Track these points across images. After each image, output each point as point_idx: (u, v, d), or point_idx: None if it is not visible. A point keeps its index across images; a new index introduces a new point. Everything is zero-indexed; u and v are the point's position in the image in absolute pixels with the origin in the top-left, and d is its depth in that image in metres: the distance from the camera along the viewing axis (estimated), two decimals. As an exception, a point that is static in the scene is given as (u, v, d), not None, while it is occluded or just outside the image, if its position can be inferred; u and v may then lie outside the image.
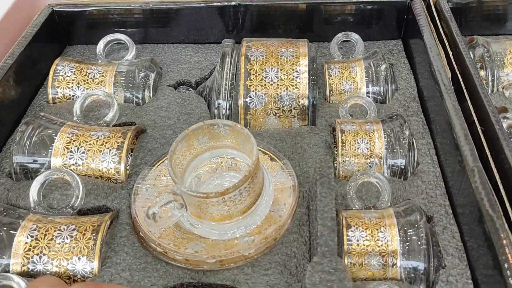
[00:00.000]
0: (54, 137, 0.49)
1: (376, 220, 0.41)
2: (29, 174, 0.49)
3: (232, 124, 0.43)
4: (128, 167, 0.49)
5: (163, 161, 0.50)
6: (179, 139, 0.42)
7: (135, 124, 0.54)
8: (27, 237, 0.41)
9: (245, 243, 0.42)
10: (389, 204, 0.43)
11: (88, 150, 0.49)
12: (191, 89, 0.60)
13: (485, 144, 0.41)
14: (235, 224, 0.42)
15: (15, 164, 0.48)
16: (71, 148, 0.48)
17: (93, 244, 0.41)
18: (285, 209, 0.45)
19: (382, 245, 0.39)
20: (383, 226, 0.40)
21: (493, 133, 0.41)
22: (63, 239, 0.41)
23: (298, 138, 0.52)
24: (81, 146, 0.49)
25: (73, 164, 0.48)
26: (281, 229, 0.43)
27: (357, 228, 0.40)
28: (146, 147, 0.52)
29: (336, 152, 0.49)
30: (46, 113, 0.53)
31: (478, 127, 0.43)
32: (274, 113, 0.53)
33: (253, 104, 0.53)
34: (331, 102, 0.57)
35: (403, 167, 0.47)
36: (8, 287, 0.38)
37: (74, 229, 0.42)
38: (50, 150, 0.48)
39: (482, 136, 0.42)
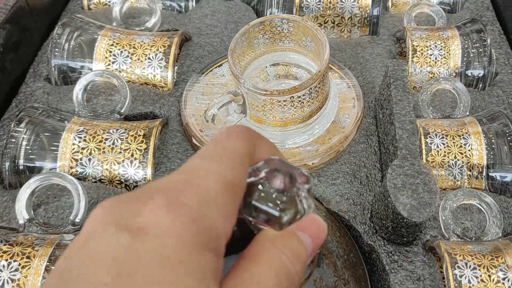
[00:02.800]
0: (95, 40, 0.45)
1: (457, 127, 0.37)
2: (68, 79, 0.45)
3: (298, 18, 0.38)
4: (175, 75, 0.45)
5: (211, 70, 0.46)
6: (239, 35, 0.38)
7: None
8: (75, 139, 0.38)
9: (308, 152, 0.39)
10: (467, 114, 0.39)
11: (132, 54, 0.45)
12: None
13: None
14: (298, 132, 0.39)
15: (53, 68, 0.45)
16: (114, 51, 0.44)
17: (146, 148, 0.38)
18: (349, 119, 0.41)
19: (464, 153, 0.35)
20: (467, 134, 0.36)
21: None
22: (113, 141, 0.38)
23: (359, 48, 0.47)
24: (125, 50, 0.45)
25: (116, 69, 0.44)
26: (346, 139, 0.40)
27: (436, 135, 0.36)
28: (193, 55, 0.47)
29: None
30: (82, 19, 0.48)
31: None
32: (332, 21, 0.48)
33: (309, 9, 0.48)
34: (392, 12, 0.52)
35: (480, 77, 0.43)
36: (57, 187, 0.36)
37: (124, 132, 0.39)
38: (90, 54, 0.44)
39: None
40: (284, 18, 0.38)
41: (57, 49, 0.45)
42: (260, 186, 0.21)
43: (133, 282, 0.15)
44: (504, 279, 0.28)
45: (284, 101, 0.35)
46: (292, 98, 0.35)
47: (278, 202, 0.21)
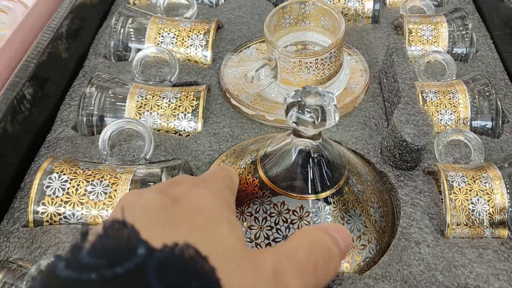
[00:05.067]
0: (145, 24, 0.54)
1: (447, 86, 0.46)
2: (123, 58, 0.54)
3: (317, 1, 0.48)
4: (212, 53, 0.55)
5: (241, 50, 0.55)
6: (271, 14, 0.47)
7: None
8: (138, 97, 0.46)
9: (327, 109, 0.48)
10: (454, 78, 0.49)
11: (178, 36, 0.54)
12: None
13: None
14: (319, 92, 0.48)
15: (112, 48, 0.54)
16: (163, 33, 0.54)
17: (197, 104, 0.47)
18: (358, 86, 0.50)
19: (453, 103, 0.45)
20: (455, 91, 0.45)
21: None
22: (169, 99, 0.47)
23: (364, 33, 0.57)
24: (171, 32, 0.54)
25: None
26: (356, 99, 0.49)
27: (430, 91, 0.46)
28: (226, 38, 0.57)
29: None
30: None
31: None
32: (341, 12, 0.58)
33: (322, 2, 0.58)
34: (389, 6, 0.62)
35: (464, 54, 0.52)
36: (127, 133, 0.44)
37: (177, 93, 0.47)
38: (142, 36, 0.54)
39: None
40: (306, 2, 0.48)
41: (114, 33, 0.54)
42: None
43: (178, 222, 0.20)
44: (485, 183, 0.37)
45: (310, 62, 0.44)
46: (316, 60, 0.44)
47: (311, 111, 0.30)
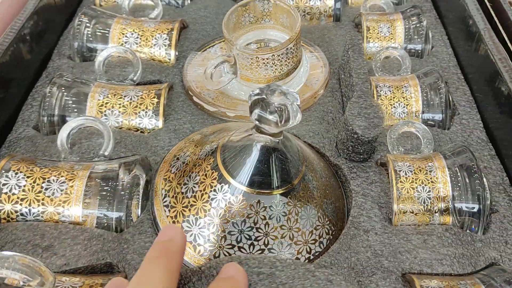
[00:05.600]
0: (109, 25, 0.55)
1: (400, 81, 0.48)
2: (87, 59, 0.55)
3: (273, 1, 0.49)
4: (176, 52, 0.55)
5: (206, 49, 0.56)
6: (230, 12, 0.48)
7: (178, 21, 0.60)
8: (99, 96, 0.47)
9: (286, 105, 0.49)
10: (409, 73, 0.50)
11: (141, 35, 0.55)
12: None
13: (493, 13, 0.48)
14: (278, 89, 0.49)
15: (75, 49, 0.54)
16: (126, 33, 0.54)
17: (158, 102, 0.47)
18: (318, 82, 0.52)
19: (406, 97, 0.46)
20: (408, 85, 0.47)
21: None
22: (131, 98, 0.47)
23: (325, 31, 0.59)
24: (135, 32, 0.55)
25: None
26: (316, 94, 0.50)
27: (384, 85, 0.47)
28: (190, 38, 0.58)
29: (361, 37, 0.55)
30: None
31: (487, 3, 0.49)
32: (303, 11, 0.60)
33: (284, 1, 0.59)
34: (351, 5, 0.64)
35: (419, 50, 0.54)
36: (88, 131, 0.45)
37: (139, 91, 0.48)
38: (106, 37, 0.54)
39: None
40: (265, 0, 0.49)
41: (78, 34, 0.54)
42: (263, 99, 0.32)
43: None
44: (430, 171, 0.38)
45: (267, 59, 0.46)
46: (273, 56, 0.45)
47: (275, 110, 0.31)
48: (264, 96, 0.32)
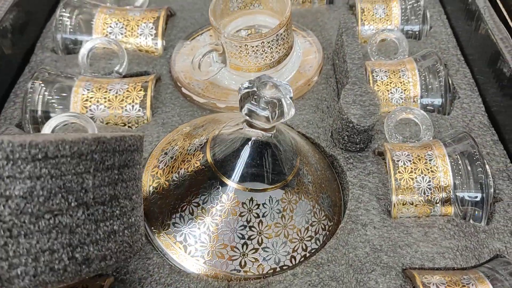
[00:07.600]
0: (93, 15, 0.52)
1: (397, 65, 0.45)
2: (71, 51, 0.53)
3: (264, -16, 0.46)
4: (164, 42, 0.53)
5: (194, 38, 0.54)
6: (217, -2, 0.46)
7: (165, 8, 0.58)
8: (83, 90, 0.45)
9: (279, 94, 0.47)
10: (406, 56, 0.48)
11: (127, 25, 0.52)
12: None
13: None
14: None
15: (58, 42, 0.52)
16: (111, 24, 0.52)
17: (144, 95, 0.45)
18: (312, 68, 0.50)
19: (403, 82, 0.44)
20: (405, 69, 0.45)
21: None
22: (116, 91, 0.45)
23: (319, 14, 0.56)
24: (120, 22, 0.52)
25: (113, 39, 0.52)
26: (310, 81, 0.48)
27: (380, 70, 0.45)
28: (178, 26, 0.55)
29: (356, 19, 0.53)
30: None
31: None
32: (295, -7, 0.57)
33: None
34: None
35: (417, 31, 0.52)
36: (72, 128, 0.43)
37: (125, 84, 0.46)
38: (90, 28, 0.52)
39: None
40: (253, -16, 0.47)
41: (60, 26, 0.52)
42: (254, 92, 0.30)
43: None
44: (430, 160, 0.36)
45: (257, 46, 0.43)
46: (263, 43, 0.43)
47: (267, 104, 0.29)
48: (254, 89, 0.30)
